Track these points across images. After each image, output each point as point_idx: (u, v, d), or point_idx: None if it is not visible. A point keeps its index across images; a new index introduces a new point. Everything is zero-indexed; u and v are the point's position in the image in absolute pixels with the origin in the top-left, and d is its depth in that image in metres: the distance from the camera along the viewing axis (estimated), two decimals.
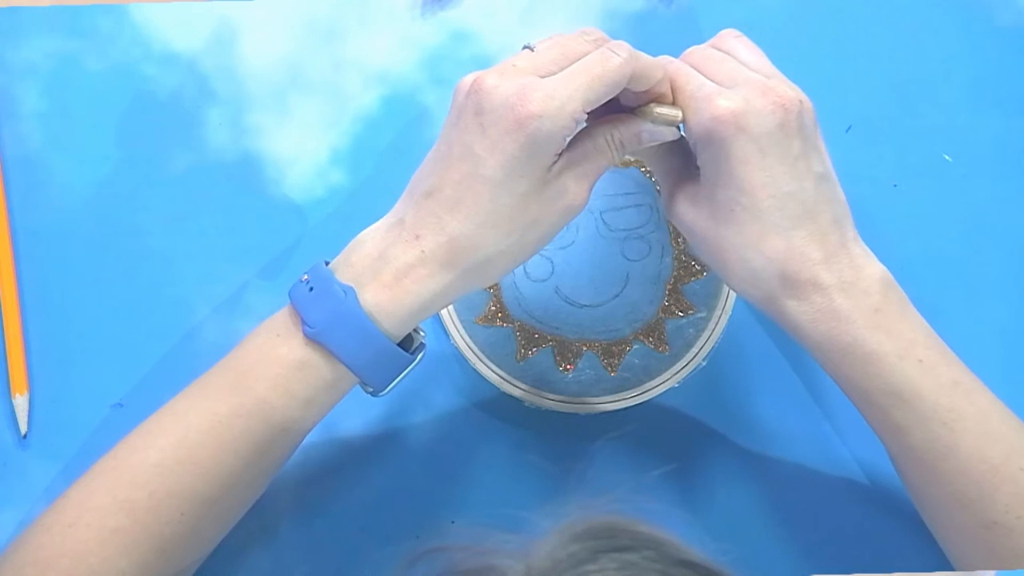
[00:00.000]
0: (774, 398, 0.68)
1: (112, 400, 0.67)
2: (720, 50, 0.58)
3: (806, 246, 0.55)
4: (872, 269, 0.56)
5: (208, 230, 0.68)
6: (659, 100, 0.56)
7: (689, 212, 0.58)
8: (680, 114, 0.56)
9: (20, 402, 0.67)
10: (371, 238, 0.56)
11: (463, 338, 0.67)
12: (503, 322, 0.67)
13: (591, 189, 0.57)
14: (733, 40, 0.58)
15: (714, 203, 0.56)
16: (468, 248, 0.55)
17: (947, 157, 0.70)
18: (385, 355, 0.56)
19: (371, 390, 0.58)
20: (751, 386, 0.68)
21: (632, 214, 0.68)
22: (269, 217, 0.69)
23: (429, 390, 0.68)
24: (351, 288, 0.55)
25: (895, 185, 0.69)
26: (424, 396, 0.68)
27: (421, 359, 0.59)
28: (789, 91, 0.55)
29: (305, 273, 0.57)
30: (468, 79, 0.55)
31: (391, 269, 0.55)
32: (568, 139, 0.54)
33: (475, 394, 0.68)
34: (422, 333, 0.59)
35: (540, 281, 0.68)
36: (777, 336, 0.68)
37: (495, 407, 0.68)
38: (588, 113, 0.54)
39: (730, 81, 0.55)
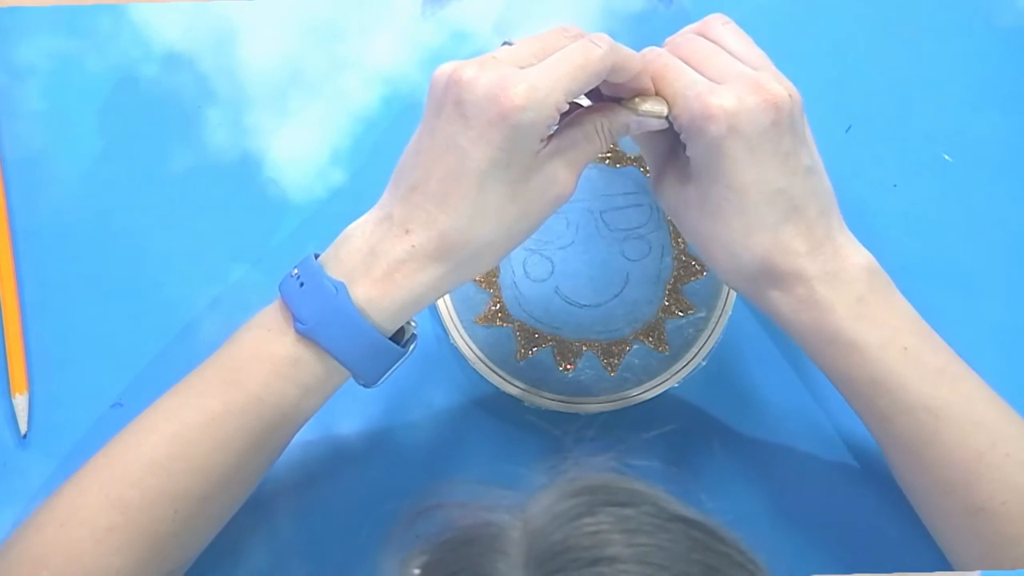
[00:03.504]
0: (774, 398, 0.68)
1: (112, 400, 0.67)
2: (707, 37, 0.58)
3: (792, 240, 0.55)
4: (857, 258, 0.56)
5: (208, 230, 0.68)
6: (643, 93, 0.56)
7: (677, 200, 0.58)
8: (666, 109, 0.56)
9: (20, 402, 0.67)
10: (360, 233, 0.56)
11: (463, 338, 0.67)
12: (503, 322, 0.67)
13: (579, 177, 0.56)
14: (721, 27, 0.58)
15: (702, 195, 0.56)
16: (458, 242, 0.54)
17: (947, 157, 0.70)
18: (378, 350, 0.56)
19: (363, 383, 0.58)
20: (751, 386, 0.68)
21: (632, 214, 0.68)
22: (269, 217, 0.69)
23: (429, 390, 0.68)
24: (342, 283, 0.55)
25: (895, 185, 0.69)
26: (424, 396, 0.68)
27: (413, 350, 0.58)
28: (779, 87, 0.55)
29: (295, 267, 0.57)
30: (446, 69, 0.54)
31: (382, 264, 0.55)
32: (552, 128, 0.54)
33: (475, 394, 0.68)
34: (414, 324, 0.58)
35: (540, 281, 0.68)
36: (776, 336, 0.68)
37: (495, 407, 0.68)
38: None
39: (720, 76, 0.55)
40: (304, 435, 0.66)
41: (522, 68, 0.53)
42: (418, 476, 0.67)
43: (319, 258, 0.57)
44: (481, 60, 0.54)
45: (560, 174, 0.55)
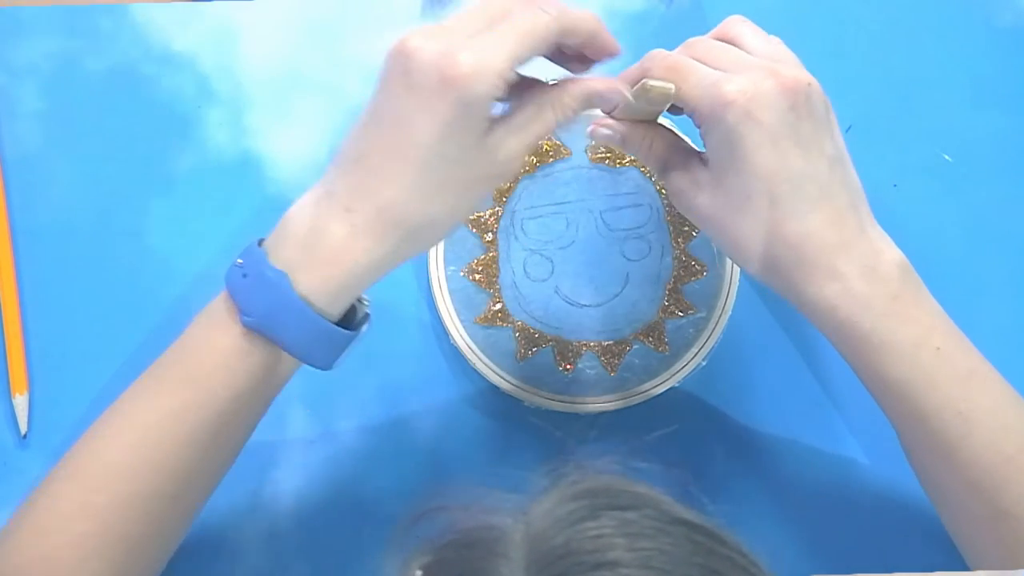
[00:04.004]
0: (774, 397, 0.68)
1: (111, 400, 0.67)
2: (725, 38, 0.57)
3: (824, 230, 0.54)
4: (891, 254, 0.55)
5: (208, 230, 0.68)
6: (647, 74, 0.55)
7: (700, 201, 0.56)
8: (673, 87, 0.55)
9: (20, 402, 0.67)
10: (300, 214, 0.55)
11: (463, 338, 0.67)
12: (503, 322, 0.67)
13: (526, 155, 0.56)
14: (740, 26, 0.57)
15: (727, 190, 0.55)
16: (401, 217, 0.53)
17: (947, 157, 0.70)
18: (326, 336, 0.55)
19: (318, 368, 0.57)
20: (751, 386, 0.68)
21: (632, 214, 0.68)
22: (269, 217, 0.69)
23: (429, 390, 0.68)
24: (283, 273, 0.54)
25: (895, 185, 0.69)
26: (424, 396, 0.68)
27: (366, 331, 0.58)
28: (796, 73, 0.54)
29: (239, 256, 0.56)
30: (395, 42, 0.53)
31: (324, 247, 0.54)
32: (498, 98, 0.53)
33: (475, 394, 0.68)
34: (366, 302, 0.58)
35: (540, 281, 0.68)
36: (777, 335, 0.68)
37: (495, 407, 0.68)
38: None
39: (735, 68, 0.54)
40: (304, 435, 0.66)
41: (470, 37, 0.52)
42: (418, 477, 0.67)
43: (264, 243, 0.56)
44: (428, 29, 0.53)
45: (508, 151, 0.54)
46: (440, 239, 0.56)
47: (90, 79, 0.69)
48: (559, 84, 0.56)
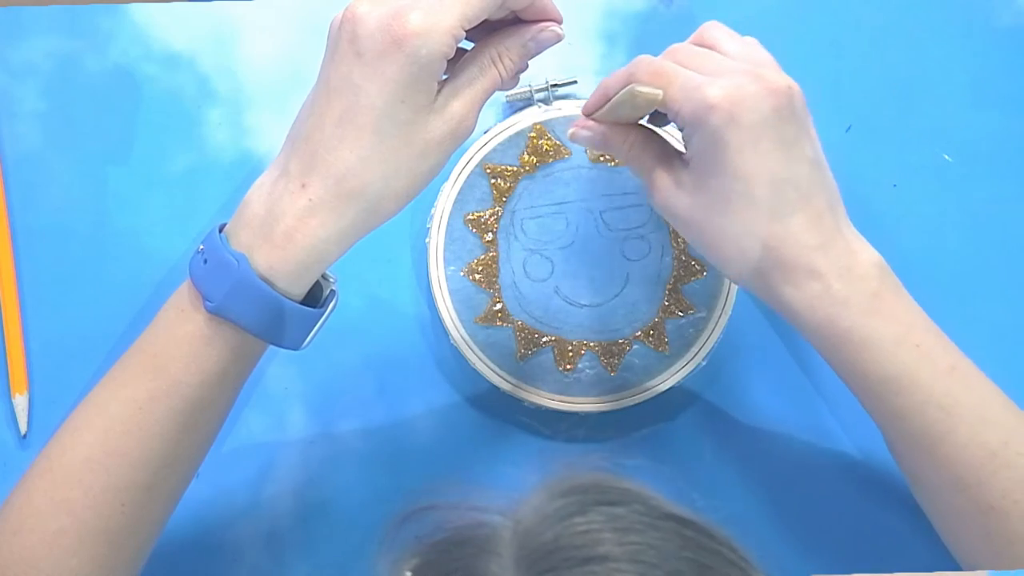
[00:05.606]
0: (773, 397, 0.68)
1: None
2: (702, 43, 0.58)
3: (802, 232, 0.54)
4: (867, 254, 0.56)
5: (208, 230, 0.68)
6: (633, 79, 0.56)
7: (681, 203, 0.57)
8: (660, 93, 0.55)
9: (20, 402, 0.67)
10: (257, 196, 0.55)
11: (463, 338, 0.67)
12: (503, 322, 0.67)
13: (479, 113, 0.56)
14: (716, 31, 0.58)
15: (708, 192, 0.55)
16: (356, 187, 0.53)
17: (947, 157, 0.70)
18: (290, 316, 0.55)
19: (287, 348, 0.57)
20: (751, 385, 0.68)
21: (632, 214, 0.68)
22: None
23: (429, 390, 0.68)
24: (243, 255, 0.54)
25: (895, 185, 0.69)
26: (424, 396, 0.68)
27: (333, 308, 0.58)
28: (778, 77, 0.54)
29: (202, 243, 0.56)
30: (339, 13, 0.53)
31: (281, 227, 0.54)
32: (447, 59, 0.53)
33: (475, 394, 0.68)
34: (332, 279, 0.58)
35: (540, 281, 0.68)
36: (776, 335, 0.68)
37: (495, 407, 0.68)
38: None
39: (717, 72, 0.55)
40: (304, 435, 0.66)
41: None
42: (417, 476, 0.67)
43: (224, 228, 0.56)
44: None
45: (459, 112, 0.55)
46: (399, 209, 0.55)
47: (90, 79, 0.69)
48: (495, 38, 0.56)
